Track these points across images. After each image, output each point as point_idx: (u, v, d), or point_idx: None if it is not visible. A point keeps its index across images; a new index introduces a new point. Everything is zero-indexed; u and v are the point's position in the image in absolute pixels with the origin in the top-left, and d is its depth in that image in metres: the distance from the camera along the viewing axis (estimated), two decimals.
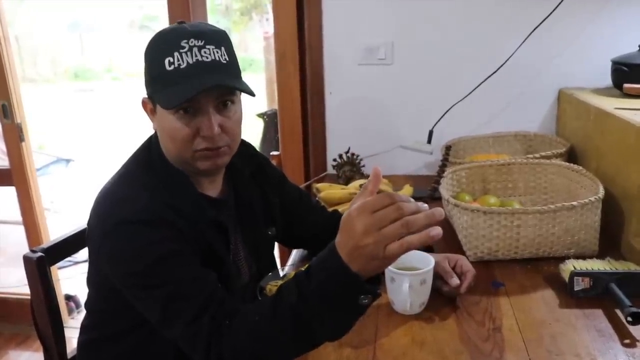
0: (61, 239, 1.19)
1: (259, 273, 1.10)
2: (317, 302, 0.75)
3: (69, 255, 1.22)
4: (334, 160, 1.77)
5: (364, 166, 1.77)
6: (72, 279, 2.83)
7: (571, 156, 1.59)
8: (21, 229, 2.43)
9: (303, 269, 0.79)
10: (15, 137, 2.25)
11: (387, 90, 1.87)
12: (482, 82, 1.73)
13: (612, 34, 1.69)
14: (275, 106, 2.14)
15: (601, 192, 1.22)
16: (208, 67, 0.88)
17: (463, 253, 1.22)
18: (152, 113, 0.97)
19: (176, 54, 0.88)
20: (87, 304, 1.07)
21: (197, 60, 0.88)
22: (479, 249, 1.23)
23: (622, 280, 1.06)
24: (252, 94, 0.93)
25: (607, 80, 1.65)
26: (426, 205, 0.72)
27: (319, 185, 1.57)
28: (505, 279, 1.17)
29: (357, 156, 1.77)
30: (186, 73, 0.87)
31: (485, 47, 1.77)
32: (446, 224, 1.41)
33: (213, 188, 1.03)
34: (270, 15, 1.96)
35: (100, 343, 1.04)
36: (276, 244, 1.23)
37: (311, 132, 1.98)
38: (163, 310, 0.85)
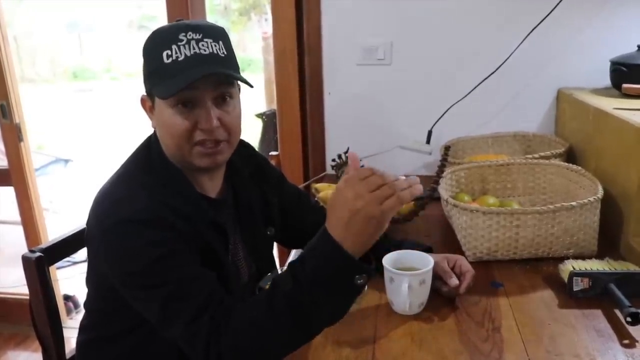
0: (60, 239, 1.19)
1: (259, 273, 1.10)
2: (312, 287, 0.76)
3: (68, 255, 1.22)
4: (333, 160, 1.77)
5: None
6: (71, 279, 2.84)
7: (570, 156, 1.59)
8: (20, 229, 2.43)
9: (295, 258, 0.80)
10: (14, 137, 2.25)
11: (386, 90, 1.87)
12: (481, 82, 1.73)
13: (611, 34, 1.70)
14: (274, 106, 2.14)
15: (600, 193, 1.22)
16: (206, 59, 0.89)
17: (462, 253, 1.22)
18: (151, 111, 0.97)
19: (174, 47, 0.88)
20: (86, 304, 1.07)
21: (195, 52, 0.88)
22: (478, 249, 1.23)
23: (621, 281, 1.06)
24: (249, 84, 0.94)
25: (606, 81, 1.65)
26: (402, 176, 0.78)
27: (317, 185, 1.57)
28: (504, 279, 1.17)
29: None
30: (184, 65, 0.88)
31: (484, 47, 1.77)
32: (445, 224, 1.41)
33: (212, 188, 1.03)
34: (269, 16, 1.96)
35: (99, 343, 1.04)
36: (275, 244, 1.23)
37: (310, 132, 1.98)
38: (162, 310, 0.85)
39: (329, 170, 1.91)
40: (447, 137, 1.79)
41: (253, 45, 8.28)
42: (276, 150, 2.03)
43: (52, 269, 1.17)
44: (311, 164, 2.02)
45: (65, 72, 10.16)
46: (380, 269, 1.04)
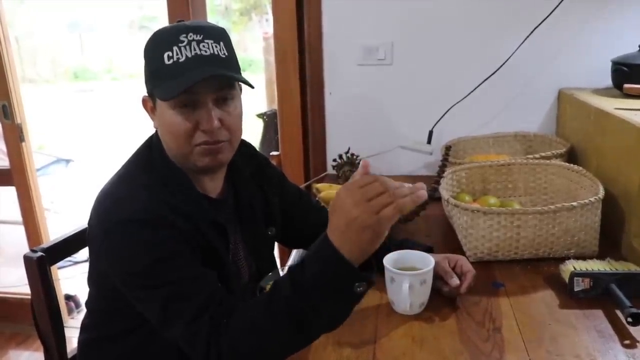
0: (61, 239, 1.19)
1: (259, 273, 1.10)
2: (312, 293, 0.75)
3: (69, 255, 1.23)
4: (334, 160, 1.77)
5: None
6: (72, 278, 2.84)
7: (571, 156, 1.59)
8: (21, 229, 2.43)
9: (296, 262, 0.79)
10: (16, 138, 2.25)
11: (386, 90, 1.88)
12: (482, 82, 1.73)
13: (612, 34, 1.69)
14: (275, 106, 2.14)
15: (601, 193, 1.22)
16: (207, 60, 0.89)
17: (463, 253, 1.22)
18: (152, 111, 0.97)
19: (175, 48, 0.88)
20: (88, 303, 1.07)
21: (196, 54, 0.88)
22: (479, 250, 1.23)
23: (622, 281, 1.06)
24: (250, 85, 0.94)
25: (607, 81, 1.65)
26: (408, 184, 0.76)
27: (318, 185, 1.58)
28: (505, 280, 1.17)
29: (357, 156, 1.77)
30: (185, 66, 0.88)
31: (485, 47, 1.77)
32: (446, 224, 1.41)
33: (213, 188, 1.03)
34: (270, 16, 1.96)
35: (101, 342, 1.04)
36: (276, 244, 1.23)
37: (311, 133, 1.98)
38: (163, 310, 0.85)
39: (330, 170, 1.91)
40: (448, 137, 1.79)
41: (254, 45, 8.29)
42: (277, 150, 2.03)
43: (53, 268, 1.17)
44: (312, 164, 2.02)
45: (66, 72, 10.17)
46: (381, 269, 1.04)
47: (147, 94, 0.97)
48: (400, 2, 1.78)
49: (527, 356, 0.92)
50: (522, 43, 1.69)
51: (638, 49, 1.57)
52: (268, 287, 1.09)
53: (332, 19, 1.85)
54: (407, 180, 1.77)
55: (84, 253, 1.08)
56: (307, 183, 1.89)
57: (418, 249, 1.12)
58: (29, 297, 1.14)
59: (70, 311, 2.65)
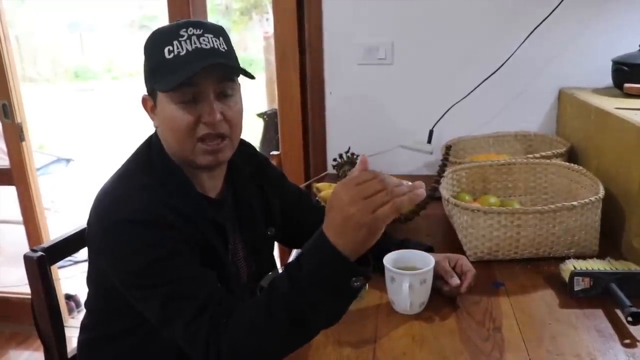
0: (61, 238, 1.19)
1: (258, 273, 1.10)
2: (309, 289, 0.76)
3: (69, 254, 1.22)
4: (334, 160, 1.77)
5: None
6: (73, 278, 2.84)
7: (571, 156, 1.59)
8: (21, 229, 2.43)
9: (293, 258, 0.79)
10: (16, 137, 2.25)
11: (387, 90, 1.87)
12: (483, 81, 1.73)
13: (613, 33, 1.69)
14: (275, 106, 2.14)
15: (601, 192, 1.22)
16: (207, 53, 0.90)
17: (463, 253, 1.22)
18: (152, 111, 0.97)
19: (175, 42, 0.89)
20: (87, 303, 1.07)
21: (197, 47, 0.89)
22: (479, 249, 1.23)
23: (622, 280, 1.06)
24: (251, 76, 0.95)
25: (608, 80, 1.65)
26: (407, 182, 0.75)
27: (319, 185, 1.58)
28: (505, 279, 1.17)
29: (357, 156, 1.76)
30: (186, 59, 0.89)
31: (486, 46, 1.77)
32: (446, 224, 1.41)
33: (213, 187, 1.03)
34: (270, 15, 1.96)
35: (100, 342, 1.04)
36: (276, 244, 1.23)
37: (311, 132, 1.98)
38: (162, 309, 0.85)
39: (330, 170, 1.91)
40: (448, 137, 1.79)
41: (254, 44, 8.29)
42: (277, 150, 2.03)
43: (53, 268, 1.17)
44: (312, 163, 2.02)
45: (66, 71, 10.18)
46: (381, 269, 1.04)
47: (147, 93, 0.97)
48: (400, 1, 1.78)
49: (527, 356, 0.92)
50: (522, 42, 1.69)
51: (638, 48, 1.57)
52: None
53: (333, 19, 1.85)
54: (407, 180, 1.77)
55: (84, 252, 1.08)
56: (307, 182, 1.89)
57: (418, 249, 1.12)
58: (29, 296, 1.14)
59: (70, 311, 2.65)
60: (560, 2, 1.63)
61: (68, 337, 1.18)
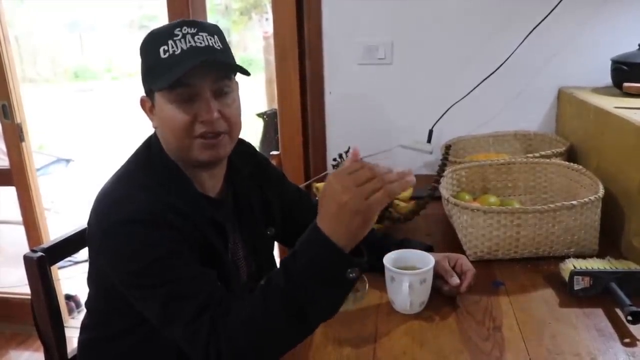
0: (61, 238, 1.19)
1: (259, 272, 1.11)
2: (304, 281, 0.76)
3: (69, 255, 1.23)
4: (334, 159, 1.77)
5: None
6: (73, 278, 2.84)
7: (571, 155, 1.59)
8: (21, 229, 2.43)
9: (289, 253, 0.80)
10: (15, 137, 2.25)
11: (386, 89, 1.87)
12: (482, 81, 1.73)
13: (612, 32, 1.69)
14: (275, 106, 2.14)
15: (601, 192, 1.22)
16: (203, 51, 0.90)
17: (463, 252, 1.22)
18: (150, 111, 0.97)
19: (170, 41, 0.90)
20: (88, 303, 1.08)
21: (191, 45, 0.90)
22: (479, 249, 1.23)
23: (622, 280, 1.06)
24: (246, 72, 0.95)
25: (607, 79, 1.65)
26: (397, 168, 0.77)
27: (318, 184, 1.57)
28: (505, 278, 1.17)
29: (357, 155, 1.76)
30: (181, 58, 0.89)
31: (485, 46, 1.77)
32: (446, 223, 1.41)
33: (212, 187, 1.03)
34: (270, 15, 1.96)
35: (101, 342, 1.04)
36: (276, 244, 1.23)
37: (311, 132, 1.98)
38: (163, 309, 0.85)
39: (330, 170, 1.91)
40: (448, 136, 1.79)
41: (254, 44, 8.29)
42: (277, 150, 2.03)
43: (53, 268, 1.17)
44: (312, 163, 2.02)
45: (66, 72, 10.17)
46: (381, 268, 1.04)
47: (145, 94, 0.97)
48: (400, 1, 1.78)
49: (527, 355, 0.92)
50: (522, 42, 1.69)
51: (638, 47, 1.57)
52: None
53: (332, 18, 1.85)
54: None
55: (84, 253, 1.08)
56: (307, 182, 1.89)
57: (418, 248, 1.12)
58: (29, 297, 1.14)
59: (70, 311, 2.65)
60: (560, 2, 1.63)
61: (68, 338, 1.18)
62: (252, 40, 8.41)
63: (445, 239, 1.36)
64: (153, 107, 0.96)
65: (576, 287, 1.08)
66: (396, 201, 1.46)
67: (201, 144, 0.93)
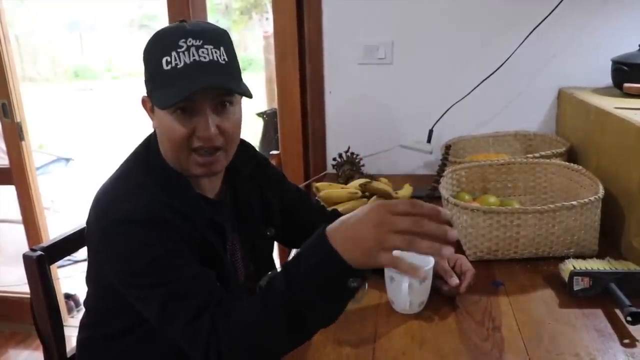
0: (61, 237, 1.19)
1: (257, 273, 1.10)
2: (305, 288, 0.76)
3: (69, 254, 1.22)
4: (334, 159, 1.77)
5: (363, 165, 1.77)
6: (72, 277, 2.84)
7: (571, 156, 1.59)
8: (21, 228, 2.43)
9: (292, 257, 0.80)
10: (15, 136, 2.25)
11: (387, 89, 1.87)
12: (482, 81, 1.73)
13: (612, 33, 1.69)
14: (275, 105, 2.14)
15: (601, 192, 1.22)
16: (205, 67, 0.88)
17: (463, 252, 1.22)
18: (151, 111, 0.97)
19: (174, 53, 0.87)
20: (86, 302, 1.07)
21: (195, 60, 0.87)
22: (479, 249, 1.23)
23: (621, 280, 1.06)
24: (249, 95, 0.93)
25: (607, 80, 1.65)
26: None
27: (318, 184, 1.57)
28: (504, 279, 1.17)
29: (357, 155, 1.77)
30: (183, 73, 0.87)
31: (485, 46, 1.77)
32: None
33: (211, 188, 1.03)
34: (270, 15, 1.96)
35: (99, 341, 1.04)
36: (276, 245, 1.23)
37: (311, 132, 1.98)
38: (162, 309, 0.85)
39: (330, 169, 1.91)
40: (448, 136, 1.79)
41: (254, 44, 8.29)
42: (277, 150, 2.03)
43: (53, 267, 1.17)
44: (312, 163, 2.02)
45: (66, 71, 10.18)
46: (380, 269, 1.04)
47: (146, 94, 0.96)
48: (401, 1, 1.78)
49: (527, 355, 0.92)
50: (522, 42, 1.69)
51: (638, 48, 1.57)
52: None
53: (333, 18, 1.85)
54: (407, 180, 1.78)
55: (83, 252, 1.08)
56: (307, 182, 1.89)
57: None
58: (29, 296, 1.14)
59: (70, 310, 2.65)
60: (560, 2, 1.63)
61: (67, 337, 1.18)
62: (252, 39, 8.41)
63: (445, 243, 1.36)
64: (153, 108, 0.95)
65: (576, 288, 1.08)
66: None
67: (196, 161, 0.93)
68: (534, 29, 1.67)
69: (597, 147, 1.46)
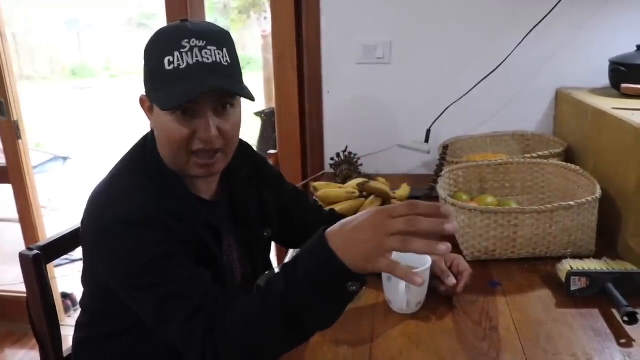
0: (58, 236, 1.18)
1: (254, 274, 1.10)
2: (304, 290, 0.75)
3: (66, 253, 1.22)
4: (332, 159, 1.77)
5: (361, 165, 1.77)
6: (69, 277, 2.83)
7: (568, 156, 1.59)
8: (18, 227, 2.43)
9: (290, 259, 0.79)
10: (12, 135, 2.24)
11: (385, 89, 1.87)
12: (480, 81, 1.73)
13: (610, 34, 1.70)
14: (273, 105, 2.14)
15: (598, 192, 1.22)
16: (208, 68, 0.87)
17: (460, 252, 1.23)
18: (149, 111, 0.96)
19: (176, 53, 0.86)
20: (82, 302, 1.07)
21: (198, 61, 0.86)
22: (476, 249, 1.23)
23: (618, 280, 1.06)
24: (252, 99, 0.92)
25: (605, 80, 1.65)
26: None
27: (316, 184, 1.57)
28: (502, 279, 1.17)
29: (355, 155, 1.77)
30: (185, 73, 0.86)
31: (483, 46, 1.77)
32: None
33: (207, 189, 1.02)
34: (269, 14, 1.96)
35: (95, 341, 1.04)
36: (273, 245, 1.22)
37: (309, 131, 1.98)
38: (158, 310, 0.84)
39: (328, 169, 1.91)
40: (445, 136, 1.79)
41: (252, 43, 8.28)
42: (275, 149, 2.02)
43: (49, 266, 1.17)
44: (310, 162, 2.02)
45: (64, 69, 10.16)
46: None
47: (145, 93, 0.96)
48: (399, 1, 1.78)
49: (524, 355, 0.92)
50: (520, 42, 1.69)
51: (636, 48, 1.57)
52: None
53: (331, 18, 1.84)
54: (404, 180, 1.77)
55: (80, 251, 1.08)
56: (305, 182, 1.89)
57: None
58: (25, 295, 1.14)
59: (66, 309, 2.64)
60: (558, 2, 1.63)
61: (64, 336, 1.17)
62: (250, 39, 8.40)
63: (442, 239, 1.36)
64: (152, 107, 0.95)
65: (573, 288, 1.08)
66: (393, 201, 1.46)
67: (196, 163, 0.93)
68: (532, 29, 1.67)
69: (594, 148, 1.46)
